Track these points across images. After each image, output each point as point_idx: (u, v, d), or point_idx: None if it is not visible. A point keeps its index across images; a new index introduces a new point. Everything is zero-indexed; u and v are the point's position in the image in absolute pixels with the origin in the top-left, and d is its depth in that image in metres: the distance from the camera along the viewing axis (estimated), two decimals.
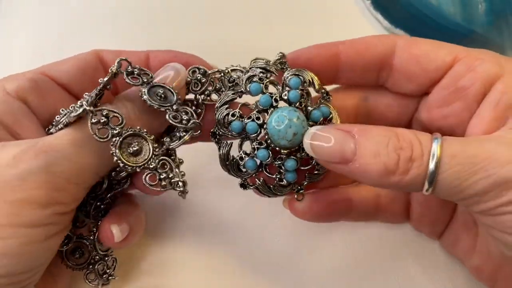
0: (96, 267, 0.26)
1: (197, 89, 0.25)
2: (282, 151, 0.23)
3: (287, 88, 0.24)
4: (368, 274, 0.28)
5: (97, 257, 0.26)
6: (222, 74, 0.25)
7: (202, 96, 0.25)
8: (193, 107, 0.25)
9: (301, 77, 0.24)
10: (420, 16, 0.34)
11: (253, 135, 0.24)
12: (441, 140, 0.20)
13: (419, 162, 0.19)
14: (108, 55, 0.25)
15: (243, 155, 0.24)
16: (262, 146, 0.24)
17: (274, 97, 0.24)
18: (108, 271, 0.26)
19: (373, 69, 0.24)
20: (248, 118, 0.24)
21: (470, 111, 0.22)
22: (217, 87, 0.25)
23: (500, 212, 0.19)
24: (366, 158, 0.20)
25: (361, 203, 0.27)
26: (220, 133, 0.24)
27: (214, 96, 0.25)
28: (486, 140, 0.20)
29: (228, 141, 0.24)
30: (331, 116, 0.24)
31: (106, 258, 0.26)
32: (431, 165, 0.19)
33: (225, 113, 0.24)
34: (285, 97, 0.24)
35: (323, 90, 0.25)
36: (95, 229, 0.25)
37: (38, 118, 0.24)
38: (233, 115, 0.24)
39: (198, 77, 0.25)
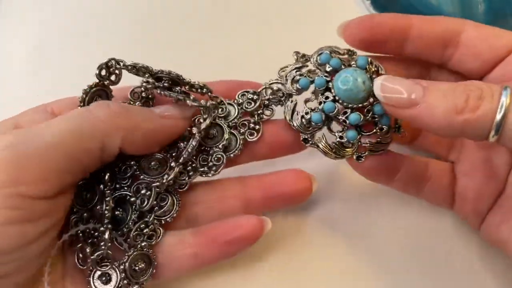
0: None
1: (251, 107, 0.27)
2: (348, 106, 0.24)
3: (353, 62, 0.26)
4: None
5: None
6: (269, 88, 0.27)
7: (256, 115, 0.27)
8: (252, 125, 0.27)
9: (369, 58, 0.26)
10: None
11: (321, 89, 0.25)
12: (510, 89, 0.19)
13: (489, 99, 0.19)
14: None
15: (309, 110, 0.25)
16: (329, 99, 0.25)
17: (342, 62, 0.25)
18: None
19: (441, 44, 0.25)
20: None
21: None
22: (265, 103, 0.27)
23: None
24: (434, 98, 0.20)
25: (411, 164, 0.26)
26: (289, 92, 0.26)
27: (267, 112, 0.28)
28: None
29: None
30: None
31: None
32: (499, 112, 0.19)
33: (294, 74, 0.26)
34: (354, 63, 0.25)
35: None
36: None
37: None
38: (301, 74, 0.26)
39: (250, 97, 0.27)
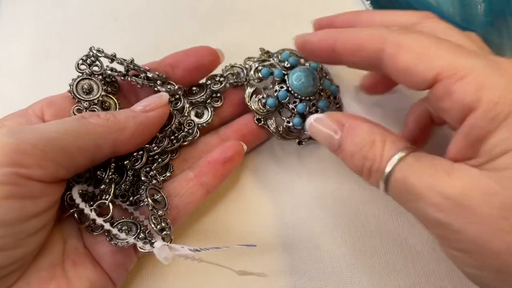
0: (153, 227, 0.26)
1: (217, 87, 0.31)
2: (297, 97, 0.30)
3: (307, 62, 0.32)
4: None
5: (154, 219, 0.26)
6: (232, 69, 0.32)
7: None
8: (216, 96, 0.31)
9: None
10: None
11: (278, 79, 0.30)
12: (397, 160, 0.21)
13: (375, 176, 0.22)
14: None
15: (265, 96, 0.31)
16: (283, 89, 0.30)
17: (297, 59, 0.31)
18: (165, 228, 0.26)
19: (369, 65, 0.25)
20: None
21: (457, 125, 0.21)
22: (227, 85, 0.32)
23: (439, 244, 0.22)
24: (345, 155, 0.24)
25: None
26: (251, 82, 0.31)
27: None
28: (431, 174, 0.20)
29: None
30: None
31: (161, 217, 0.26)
32: (381, 183, 0.22)
33: (257, 65, 0.31)
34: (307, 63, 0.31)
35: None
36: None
37: None
38: (263, 66, 0.31)
39: (217, 79, 0.31)
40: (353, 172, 0.24)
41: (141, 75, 0.29)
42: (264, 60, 0.32)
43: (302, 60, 0.32)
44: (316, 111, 0.30)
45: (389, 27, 0.24)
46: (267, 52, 0.33)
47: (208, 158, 0.29)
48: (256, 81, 0.31)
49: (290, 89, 0.30)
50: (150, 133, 0.27)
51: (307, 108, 0.30)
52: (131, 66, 0.28)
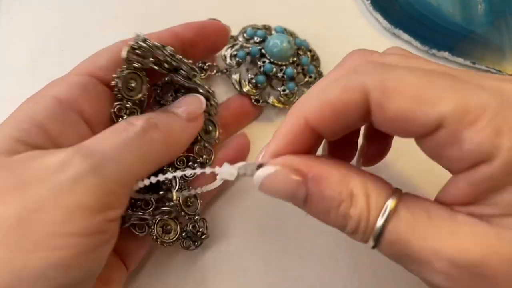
0: (188, 229, 0.26)
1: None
2: (282, 64, 0.30)
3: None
4: None
5: (187, 220, 0.26)
6: None
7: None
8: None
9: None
10: (419, 17, 0.35)
11: (257, 56, 0.31)
12: (388, 215, 0.18)
13: (362, 235, 0.18)
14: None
15: (253, 75, 0.31)
16: (266, 63, 0.30)
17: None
18: (200, 230, 0.26)
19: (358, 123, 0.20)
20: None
21: (461, 171, 0.18)
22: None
23: None
24: (315, 212, 0.19)
25: None
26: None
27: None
28: (436, 235, 0.17)
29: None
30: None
31: (196, 218, 0.26)
32: (370, 242, 0.18)
33: (230, 52, 0.31)
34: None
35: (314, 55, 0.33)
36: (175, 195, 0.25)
37: (89, 125, 0.23)
38: (236, 50, 0.31)
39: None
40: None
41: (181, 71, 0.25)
42: (233, 45, 0.32)
43: (267, 31, 0.32)
44: (282, 78, 0.31)
45: (361, 69, 0.19)
46: (232, 36, 0.33)
47: (223, 156, 0.28)
48: (235, 67, 0.31)
49: (271, 59, 0.30)
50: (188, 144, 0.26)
51: (295, 70, 0.31)
52: (170, 58, 0.25)
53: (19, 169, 0.20)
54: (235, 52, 0.31)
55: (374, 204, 0.18)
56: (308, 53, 0.33)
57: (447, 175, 0.19)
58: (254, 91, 0.31)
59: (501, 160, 0.16)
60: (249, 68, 0.32)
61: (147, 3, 0.36)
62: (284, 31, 0.32)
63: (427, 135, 0.17)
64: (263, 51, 0.31)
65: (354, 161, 0.26)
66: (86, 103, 0.23)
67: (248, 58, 0.31)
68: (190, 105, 0.25)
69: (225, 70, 0.31)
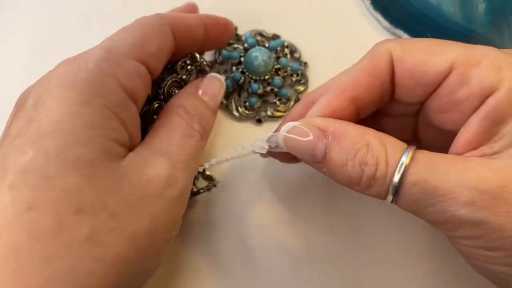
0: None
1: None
2: (253, 78, 0.31)
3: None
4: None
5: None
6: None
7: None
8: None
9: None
10: (420, 16, 0.34)
11: (235, 61, 0.32)
12: (408, 160, 0.19)
13: (381, 182, 0.19)
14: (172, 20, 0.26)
15: (225, 78, 0.30)
16: (238, 71, 0.31)
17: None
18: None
19: (386, 93, 0.23)
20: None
21: (466, 121, 0.21)
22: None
23: (456, 241, 0.20)
24: (333, 165, 0.20)
25: None
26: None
27: None
28: (455, 170, 0.19)
29: None
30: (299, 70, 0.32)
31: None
32: (392, 188, 0.19)
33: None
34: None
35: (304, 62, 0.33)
36: None
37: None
38: (234, 48, 0.32)
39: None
40: (344, 185, 0.21)
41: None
42: (231, 44, 0.33)
43: (264, 40, 0.33)
44: (272, 90, 0.31)
45: (384, 41, 0.22)
46: (237, 35, 0.33)
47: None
48: (218, 63, 0.32)
49: (244, 70, 0.31)
50: None
51: (260, 88, 0.31)
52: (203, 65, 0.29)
53: (136, 180, 0.20)
54: (223, 51, 0.32)
55: (391, 151, 0.19)
56: (286, 49, 0.33)
57: None
58: (252, 112, 0.31)
59: (505, 89, 0.19)
60: (227, 69, 0.32)
61: (148, 3, 0.36)
62: (281, 49, 0.33)
63: (439, 84, 0.20)
64: (243, 58, 0.31)
65: None
66: (139, 92, 0.23)
67: (234, 83, 0.32)
68: (210, 87, 0.27)
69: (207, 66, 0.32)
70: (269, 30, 0.34)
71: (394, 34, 0.35)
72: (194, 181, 0.28)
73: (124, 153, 0.21)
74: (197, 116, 0.25)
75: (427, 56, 0.21)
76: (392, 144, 0.20)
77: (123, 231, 0.19)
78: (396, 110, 0.25)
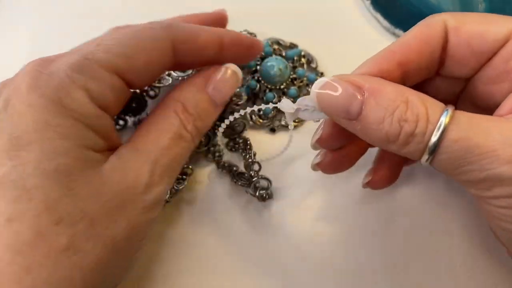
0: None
1: None
2: (268, 87, 0.31)
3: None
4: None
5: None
6: None
7: None
8: None
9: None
10: (420, 16, 0.34)
11: (252, 69, 0.32)
12: (448, 118, 0.18)
13: (420, 139, 0.19)
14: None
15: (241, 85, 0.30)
16: (254, 79, 0.31)
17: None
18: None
19: (435, 63, 0.23)
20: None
21: None
22: None
23: (489, 202, 0.19)
24: (369, 122, 0.19)
25: None
26: None
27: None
28: (497, 128, 0.18)
29: None
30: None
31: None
32: (431, 145, 0.18)
33: None
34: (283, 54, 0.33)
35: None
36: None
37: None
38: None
39: None
40: (377, 145, 0.20)
41: None
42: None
43: (281, 49, 0.33)
44: (302, 82, 0.31)
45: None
46: None
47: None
48: (245, 103, 0.31)
49: (260, 78, 0.31)
50: None
51: (275, 97, 0.31)
52: None
53: (115, 187, 0.20)
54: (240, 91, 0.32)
55: (432, 109, 0.19)
56: (302, 59, 0.33)
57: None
58: (266, 121, 0.31)
59: None
60: (255, 100, 0.32)
61: (148, 3, 0.36)
62: (298, 59, 0.33)
63: (495, 53, 0.21)
64: (258, 67, 0.31)
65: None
66: (112, 103, 0.22)
67: (250, 91, 0.32)
68: (226, 92, 0.25)
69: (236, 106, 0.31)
70: (263, 31, 0.34)
71: (394, 34, 0.35)
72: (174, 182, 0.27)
73: (103, 158, 0.21)
74: (194, 116, 0.24)
75: (485, 25, 0.21)
76: (432, 102, 0.19)
77: (102, 237, 0.19)
78: (438, 89, 0.24)
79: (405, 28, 0.34)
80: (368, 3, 0.36)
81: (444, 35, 0.22)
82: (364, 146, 0.26)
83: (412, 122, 0.19)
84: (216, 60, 0.25)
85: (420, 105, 0.19)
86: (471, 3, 0.35)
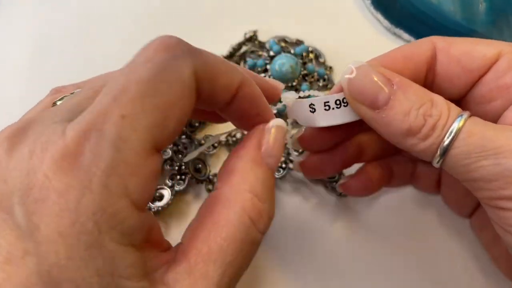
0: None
1: None
2: (293, 85, 0.31)
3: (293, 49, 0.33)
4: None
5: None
6: None
7: None
8: None
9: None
10: (420, 16, 0.34)
11: (261, 69, 0.32)
12: (466, 116, 0.19)
13: (440, 131, 0.19)
14: None
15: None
16: (266, 77, 0.31)
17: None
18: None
19: (420, 81, 0.23)
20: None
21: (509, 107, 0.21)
22: None
23: (501, 205, 0.19)
24: (395, 113, 0.20)
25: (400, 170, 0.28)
26: None
27: None
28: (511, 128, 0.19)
29: None
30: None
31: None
32: (447, 137, 0.19)
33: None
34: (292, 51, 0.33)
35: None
36: None
37: None
38: (257, 56, 0.33)
39: None
40: (395, 137, 0.20)
41: None
42: (253, 51, 0.33)
43: (288, 46, 0.33)
44: (299, 97, 0.29)
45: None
46: (259, 42, 0.34)
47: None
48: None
49: (271, 77, 0.31)
50: None
51: (308, 84, 0.31)
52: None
53: None
54: (248, 59, 0.33)
55: (453, 110, 0.20)
56: (310, 54, 0.33)
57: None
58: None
59: None
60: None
61: (148, 4, 0.36)
62: (306, 54, 0.33)
63: (486, 70, 0.21)
64: (268, 66, 0.32)
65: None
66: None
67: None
68: (278, 157, 0.20)
69: None
70: (263, 29, 0.34)
71: (394, 33, 0.35)
72: None
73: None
74: (266, 205, 0.18)
75: (474, 45, 0.22)
76: (454, 105, 0.20)
77: None
78: None
79: (406, 28, 0.34)
80: (368, 3, 0.36)
81: (431, 54, 0.22)
82: (349, 156, 0.26)
83: (436, 116, 0.20)
84: (222, 109, 0.20)
85: (444, 104, 0.20)
86: (471, 3, 0.35)
